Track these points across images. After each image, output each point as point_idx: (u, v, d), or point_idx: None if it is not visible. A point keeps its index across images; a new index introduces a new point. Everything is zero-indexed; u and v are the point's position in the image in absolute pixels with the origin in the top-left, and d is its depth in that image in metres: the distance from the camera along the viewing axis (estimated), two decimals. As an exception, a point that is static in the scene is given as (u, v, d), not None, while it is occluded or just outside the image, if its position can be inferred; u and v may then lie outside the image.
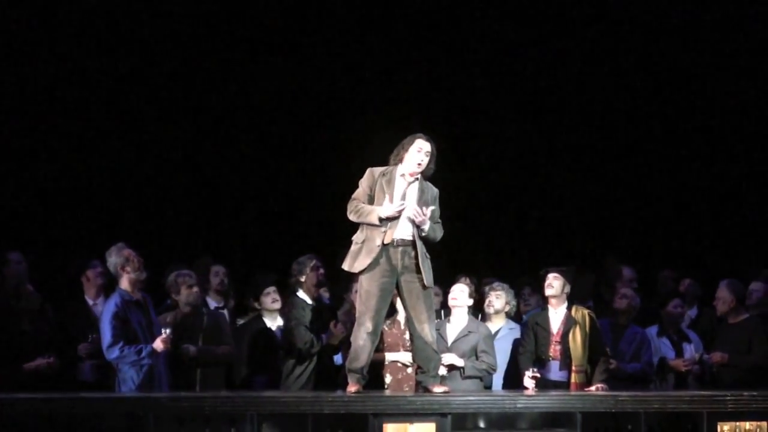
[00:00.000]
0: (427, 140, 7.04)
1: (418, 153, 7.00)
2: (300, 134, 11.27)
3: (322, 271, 8.18)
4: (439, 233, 7.08)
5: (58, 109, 10.61)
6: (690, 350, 8.67)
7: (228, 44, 11.14)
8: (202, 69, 11.07)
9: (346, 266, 7.07)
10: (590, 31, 11.63)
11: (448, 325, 7.84)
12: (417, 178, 7.04)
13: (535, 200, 11.75)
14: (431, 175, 7.10)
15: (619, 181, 11.80)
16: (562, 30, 11.62)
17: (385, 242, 6.93)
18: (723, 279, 8.55)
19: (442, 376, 7.49)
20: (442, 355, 7.52)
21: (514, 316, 8.59)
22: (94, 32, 10.73)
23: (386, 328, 7.56)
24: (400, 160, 7.05)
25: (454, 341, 7.75)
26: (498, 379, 8.07)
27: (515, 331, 8.32)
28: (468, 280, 8.33)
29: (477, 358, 7.74)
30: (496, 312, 8.29)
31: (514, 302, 8.44)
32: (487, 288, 8.47)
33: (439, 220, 7.13)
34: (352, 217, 7.00)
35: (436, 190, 7.13)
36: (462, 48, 11.56)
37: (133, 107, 10.88)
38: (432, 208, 6.99)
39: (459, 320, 7.83)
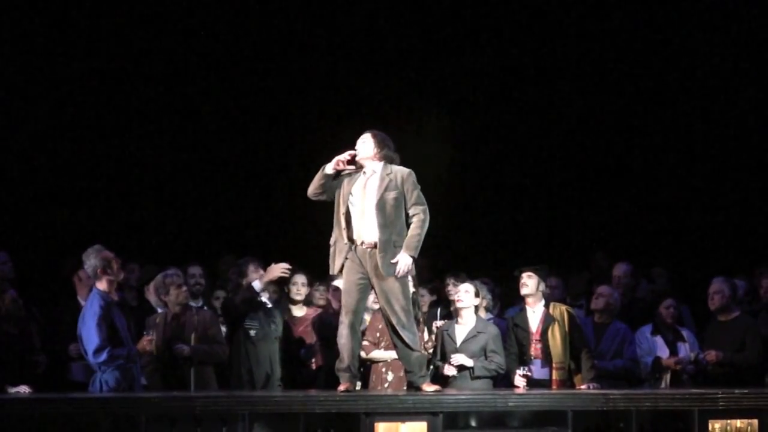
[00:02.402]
0: (365, 132, 7.12)
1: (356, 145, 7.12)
2: (295, 138, 11.29)
3: (261, 272, 8.15)
4: (425, 222, 7.00)
5: (53, 107, 10.61)
6: (685, 349, 8.66)
7: (226, 45, 11.15)
8: (203, 69, 11.09)
9: (330, 269, 7.17)
10: (583, 28, 11.64)
11: (456, 325, 7.85)
12: (374, 170, 7.05)
13: (526, 198, 11.75)
14: (395, 160, 7.10)
15: (613, 178, 11.81)
16: (556, 27, 11.64)
17: (353, 238, 6.99)
18: (716, 276, 8.54)
19: (453, 377, 7.58)
20: (452, 356, 7.62)
21: (492, 310, 8.66)
22: (88, 30, 10.72)
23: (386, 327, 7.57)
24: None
25: (464, 341, 7.76)
26: None
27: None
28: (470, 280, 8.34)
29: (486, 358, 7.75)
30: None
31: (489, 296, 8.46)
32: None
33: (421, 201, 7.01)
34: (309, 189, 7.07)
35: (405, 171, 7.05)
36: (452, 46, 11.56)
37: (130, 105, 10.87)
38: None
39: (467, 321, 7.84)
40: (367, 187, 7.02)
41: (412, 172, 7.05)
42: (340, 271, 7.05)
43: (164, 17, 10.88)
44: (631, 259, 9.85)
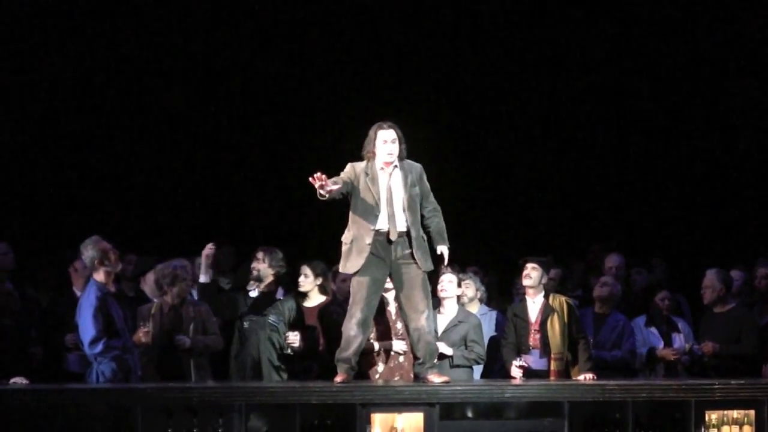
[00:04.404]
0: (388, 127, 7.04)
1: (384, 144, 7.02)
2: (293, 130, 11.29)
3: (261, 255, 8.19)
4: (440, 216, 7.14)
5: (52, 100, 10.61)
6: (679, 340, 8.67)
7: (225, 42, 11.14)
8: (202, 63, 11.07)
9: (340, 268, 7.13)
10: (577, 22, 11.64)
11: (438, 315, 7.84)
12: (395, 165, 7.05)
13: (523, 188, 11.75)
14: (406, 155, 7.10)
15: (609, 168, 11.80)
16: (550, 21, 11.63)
17: (392, 238, 6.96)
18: (709, 268, 8.54)
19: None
20: None
21: (488, 302, 8.67)
22: (84, 26, 10.72)
23: (377, 317, 7.57)
24: (373, 154, 7.06)
25: (444, 331, 7.76)
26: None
27: (486, 316, 8.37)
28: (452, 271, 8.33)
29: (466, 348, 7.76)
30: (470, 300, 8.30)
31: (483, 288, 8.49)
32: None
33: (432, 198, 7.16)
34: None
35: (419, 167, 7.15)
36: (448, 39, 11.56)
37: (127, 97, 10.87)
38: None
39: (449, 310, 7.86)
40: (393, 183, 7.02)
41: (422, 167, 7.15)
42: (357, 271, 7.00)
43: (160, 14, 10.86)
44: (628, 249, 9.85)
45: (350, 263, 7.01)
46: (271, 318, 8.08)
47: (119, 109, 10.84)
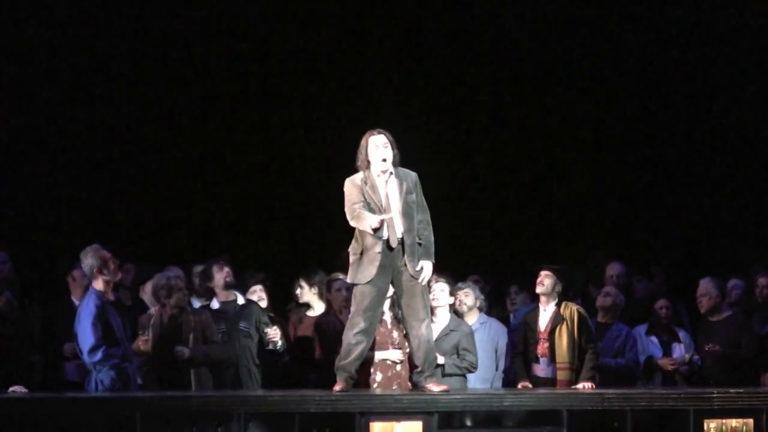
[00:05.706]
0: (379, 133, 7.05)
1: (376, 150, 7.02)
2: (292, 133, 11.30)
3: (227, 270, 8.25)
4: (431, 230, 7.11)
5: (50, 105, 10.62)
6: (679, 350, 8.67)
7: (226, 50, 11.16)
8: (205, 70, 11.09)
9: (349, 279, 7.12)
10: (581, 27, 11.65)
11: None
12: (390, 172, 7.05)
13: (522, 196, 11.75)
14: (399, 161, 7.09)
15: (610, 177, 11.80)
16: (548, 25, 11.64)
17: (393, 245, 6.96)
18: (704, 277, 8.55)
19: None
20: None
21: (489, 311, 8.65)
22: (85, 29, 10.73)
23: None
24: (367, 162, 7.06)
25: (436, 339, 7.66)
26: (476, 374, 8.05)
27: (486, 325, 8.33)
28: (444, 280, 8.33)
29: (458, 356, 7.74)
30: (470, 309, 8.26)
31: (482, 296, 8.45)
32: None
33: (426, 208, 7.13)
34: (353, 223, 7.00)
35: (414, 175, 7.14)
36: (450, 44, 11.57)
37: (126, 104, 10.87)
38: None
39: (441, 319, 7.82)
40: (389, 190, 7.03)
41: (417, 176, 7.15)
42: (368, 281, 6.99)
43: (153, 20, 10.88)
44: (628, 258, 9.84)
45: (362, 274, 6.99)
46: (242, 324, 8.12)
47: (119, 118, 10.84)
